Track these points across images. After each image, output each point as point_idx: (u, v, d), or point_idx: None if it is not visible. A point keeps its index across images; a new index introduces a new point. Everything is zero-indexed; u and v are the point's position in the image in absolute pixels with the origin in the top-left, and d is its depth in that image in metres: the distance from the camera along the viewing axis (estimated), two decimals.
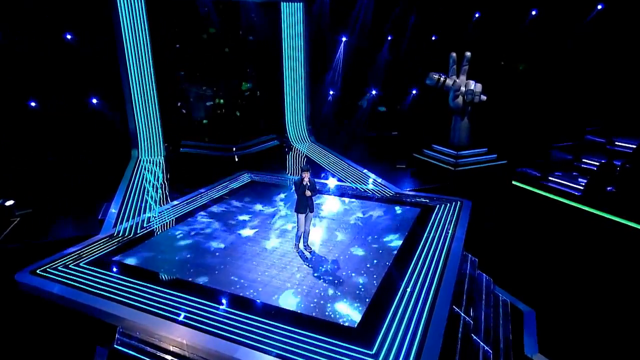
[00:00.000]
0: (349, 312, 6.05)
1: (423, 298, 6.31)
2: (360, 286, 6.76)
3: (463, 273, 7.71)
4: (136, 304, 6.27)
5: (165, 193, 11.77)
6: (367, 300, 6.37)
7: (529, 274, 8.29)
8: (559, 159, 13.37)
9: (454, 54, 14.90)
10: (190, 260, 7.77)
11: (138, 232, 9.10)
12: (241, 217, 9.89)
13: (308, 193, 7.62)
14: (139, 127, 15.75)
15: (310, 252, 7.98)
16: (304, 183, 7.59)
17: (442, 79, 15.07)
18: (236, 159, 16.13)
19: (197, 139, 17.11)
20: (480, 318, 6.70)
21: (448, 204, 10.15)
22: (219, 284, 6.86)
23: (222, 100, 16.94)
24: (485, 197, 11.94)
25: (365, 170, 13.69)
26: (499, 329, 6.65)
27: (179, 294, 6.53)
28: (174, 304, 6.27)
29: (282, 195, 11.44)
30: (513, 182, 12.85)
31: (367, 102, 19.86)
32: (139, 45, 15.07)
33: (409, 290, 6.56)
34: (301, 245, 8.11)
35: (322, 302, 6.31)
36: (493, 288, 7.78)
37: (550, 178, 12.29)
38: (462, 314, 6.41)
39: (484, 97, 14.65)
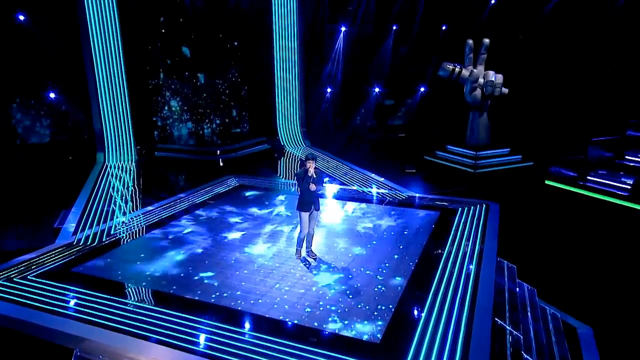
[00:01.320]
0: (368, 325, 5.44)
1: (458, 308, 5.84)
2: (381, 292, 6.22)
3: (500, 281, 7.19)
4: (98, 320, 5.64)
5: (136, 199, 11.26)
6: (391, 307, 5.81)
7: (577, 284, 7.76)
8: (598, 156, 13.11)
9: (470, 42, 14.65)
10: (167, 269, 7.20)
11: (103, 240, 8.58)
12: (228, 220, 9.51)
13: (313, 187, 7.04)
14: (106, 127, 15.20)
15: (314, 259, 7.38)
16: (309, 175, 7.03)
17: (457, 69, 14.75)
18: (221, 164, 15.67)
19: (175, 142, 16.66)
20: (529, 334, 6.11)
21: (472, 207, 10.00)
22: (203, 295, 6.29)
23: (204, 94, 16.52)
24: (516, 198, 11.54)
25: (364, 171, 13.42)
26: (554, 348, 6.05)
27: (152, 307, 5.95)
28: (147, 319, 5.64)
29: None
30: (547, 182, 12.53)
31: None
32: (105, 29, 14.60)
33: (439, 299, 6.03)
34: (303, 251, 7.50)
35: (335, 313, 5.70)
36: (537, 300, 7.23)
37: (589, 177, 11.98)
38: (508, 327, 5.81)
39: (505, 90, 14.38)
